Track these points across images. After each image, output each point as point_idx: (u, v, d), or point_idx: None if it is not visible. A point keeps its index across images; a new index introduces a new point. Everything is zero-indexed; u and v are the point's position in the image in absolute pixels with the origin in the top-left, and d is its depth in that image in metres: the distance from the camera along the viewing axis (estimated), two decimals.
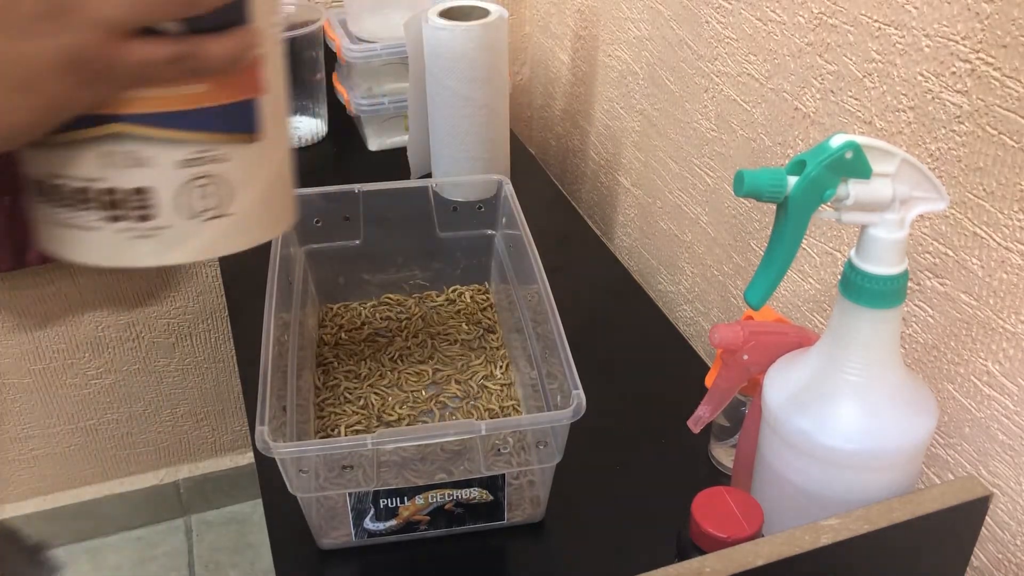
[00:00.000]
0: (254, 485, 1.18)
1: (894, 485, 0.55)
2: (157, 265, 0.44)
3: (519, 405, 0.81)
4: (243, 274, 0.98)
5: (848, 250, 0.61)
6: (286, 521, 0.70)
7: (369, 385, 0.83)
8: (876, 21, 0.65)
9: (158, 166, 0.42)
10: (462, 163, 1.02)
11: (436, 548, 0.70)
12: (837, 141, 0.49)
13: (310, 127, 1.24)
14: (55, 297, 1.39)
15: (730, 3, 0.82)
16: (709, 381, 0.65)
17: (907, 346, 0.67)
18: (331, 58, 1.19)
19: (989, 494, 0.53)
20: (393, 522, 0.68)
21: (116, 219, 0.43)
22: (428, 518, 0.68)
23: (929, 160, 0.62)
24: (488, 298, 0.94)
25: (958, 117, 0.59)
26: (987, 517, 0.60)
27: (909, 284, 0.56)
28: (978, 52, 0.57)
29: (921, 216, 0.61)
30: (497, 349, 0.87)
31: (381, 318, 0.91)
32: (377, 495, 0.66)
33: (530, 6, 1.36)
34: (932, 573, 0.57)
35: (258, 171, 0.46)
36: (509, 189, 0.87)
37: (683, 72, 0.93)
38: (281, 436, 0.65)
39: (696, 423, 0.64)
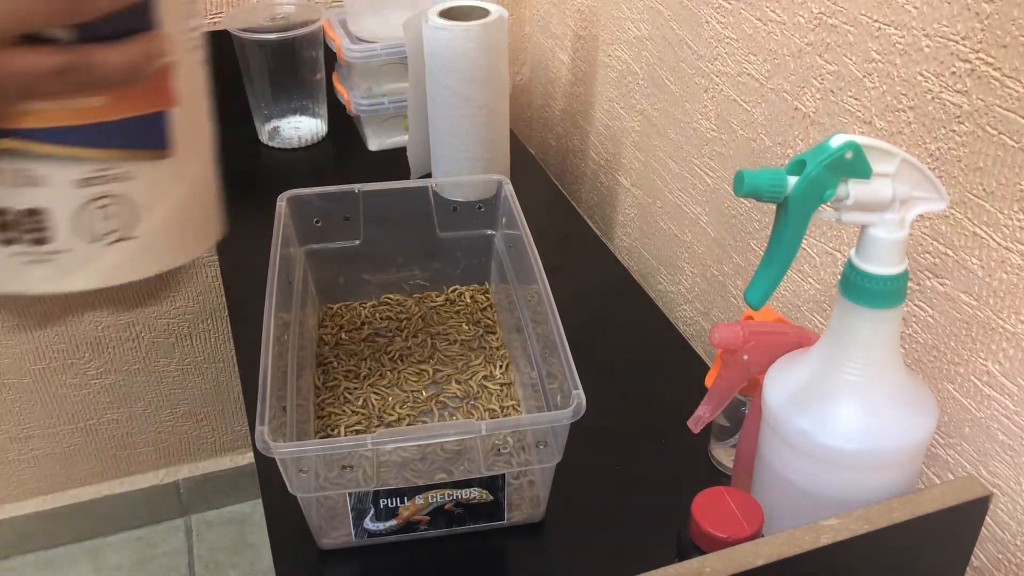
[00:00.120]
0: (254, 485, 1.18)
1: (894, 485, 0.55)
2: (54, 292, 0.41)
3: (519, 405, 0.81)
4: (243, 274, 0.98)
5: (848, 250, 0.61)
6: (286, 521, 0.70)
7: (369, 385, 0.83)
8: (876, 21, 0.65)
9: (53, 185, 0.39)
10: (462, 163, 1.02)
11: (436, 548, 0.70)
12: (837, 141, 0.49)
13: (310, 127, 1.24)
14: (55, 297, 1.39)
15: (730, 3, 0.82)
16: (709, 381, 0.65)
17: (907, 346, 0.67)
18: (331, 58, 1.19)
19: (989, 494, 0.53)
20: (393, 522, 0.68)
21: (8, 242, 0.39)
22: (428, 518, 0.68)
23: (929, 160, 0.62)
24: (488, 298, 0.94)
25: (958, 117, 0.59)
26: (987, 517, 0.60)
27: (909, 284, 0.56)
28: (978, 52, 0.57)
29: (921, 216, 0.61)
30: (497, 349, 0.87)
31: (381, 318, 0.91)
32: (377, 495, 0.66)
33: (530, 6, 1.36)
34: (932, 573, 0.57)
35: (169, 190, 0.42)
36: (509, 189, 0.87)
37: (683, 72, 0.93)
38: (281, 436, 0.65)
39: (696, 423, 0.64)
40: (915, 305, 0.66)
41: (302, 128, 1.23)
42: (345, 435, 0.77)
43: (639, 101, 1.05)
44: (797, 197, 0.49)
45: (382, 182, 0.88)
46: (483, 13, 0.97)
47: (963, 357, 0.63)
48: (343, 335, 0.89)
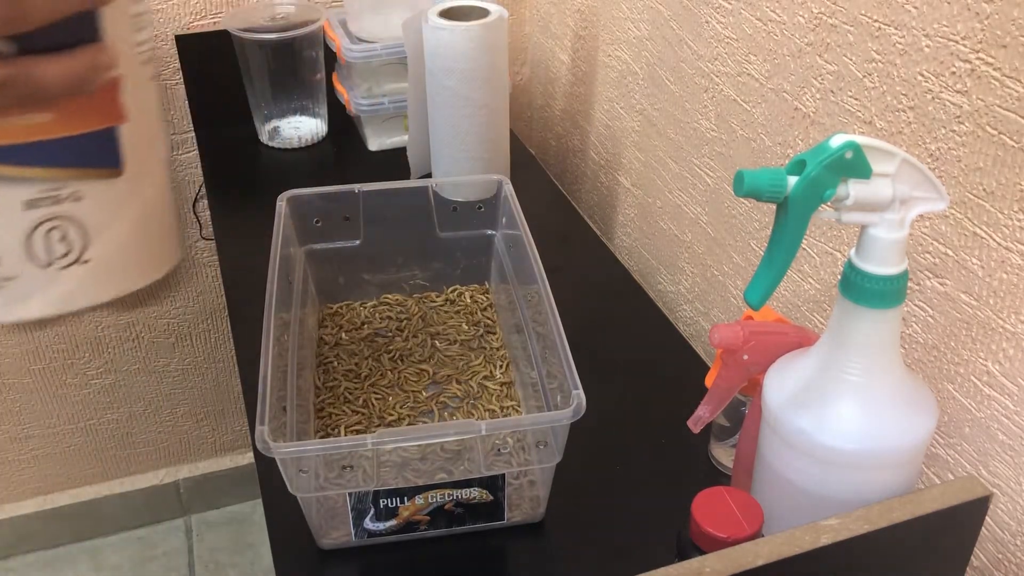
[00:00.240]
0: (254, 485, 1.18)
1: (894, 485, 0.55)
2: (7, 322, 0.39)
3: (519, 405, 0.81)
4: (243, 274, 0.98)
5: (848, 250, 0.61)
6: (286, 521, 0.70)
7: (369, 385, 0.83)
8: (876, 21, 0.65)
9: None
10: (462, 163, 1.02)
11: (436, 548, 0.70)
12: (837, 141, 0.49)
13: (310, 127, 1.24)
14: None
15: (730, 3, 0.82)
16: (709, 381, 0.65)
17: (907, 346, 0.67)
18: (331, 58, 1.19)
19: (989, 494, 0.53)
20: (393, 522, 0.68)
21: None
22: (428, 518, 0.68)
23: (929, 160, 0.62)
24: (488, 298, 0.94)
25: (958, 117, 0.59)
26: (987, 517, 0.60)
27: (909, 284, 0.56)
28: (978, 52, 0.57)
29: (921, 216, 0.61)
30: (497, 349, 0.87)
31: (381, 318, 0.91)
32: (377, 495, 0.66)
33: (530, 6, 1.36)
34: (932, 573, 0.57)
35: (122, 210, 0.40)
36: (509, 189, 0.87)
37: (683, 72, 0.93)
38: (281, 436, 0.65)
39: (696, 423, 0.64)
40: (915, 305, 0.66)
41: (302, 128, 1.23)
42: (345, 435, 0.77)
43: (639, 101, 1.05)
44: (797, 197, 0.49)
45: (382, 182, 0.88)
46: (483, 13, 0.97)
47: (963, 357, 0.63)
48: (343, 335, 0.89)
